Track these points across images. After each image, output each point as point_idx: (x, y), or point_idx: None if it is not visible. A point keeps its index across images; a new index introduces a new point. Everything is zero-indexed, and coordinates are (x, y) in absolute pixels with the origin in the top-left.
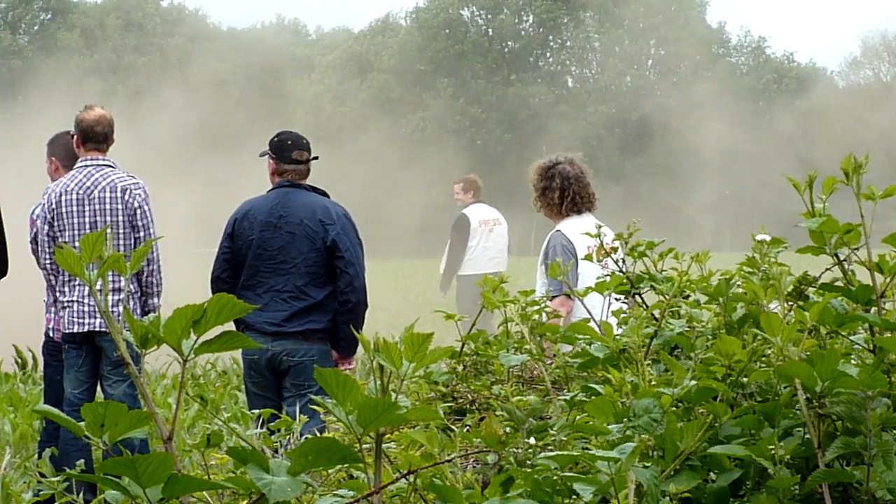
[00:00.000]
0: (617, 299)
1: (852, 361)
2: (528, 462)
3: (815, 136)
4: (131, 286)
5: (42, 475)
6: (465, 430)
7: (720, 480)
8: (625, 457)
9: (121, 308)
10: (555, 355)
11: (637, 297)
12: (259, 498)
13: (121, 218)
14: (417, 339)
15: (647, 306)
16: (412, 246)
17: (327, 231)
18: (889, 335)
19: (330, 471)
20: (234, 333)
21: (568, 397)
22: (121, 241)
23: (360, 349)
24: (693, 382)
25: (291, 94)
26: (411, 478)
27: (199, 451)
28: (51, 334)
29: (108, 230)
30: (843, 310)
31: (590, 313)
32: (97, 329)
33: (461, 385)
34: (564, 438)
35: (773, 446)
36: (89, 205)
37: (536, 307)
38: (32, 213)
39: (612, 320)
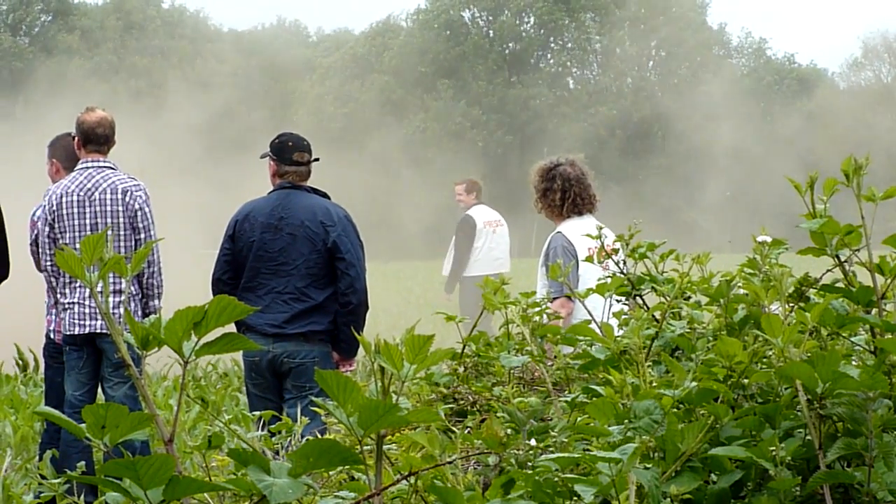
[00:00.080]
0: (618, 301)
1: (853, 363)
2: (529, 463)
3: (817, 137)
4: (132, 288)
5: (43, 477)
6: (466, 431)
7: (721, 482)
8: (626, 458)
9: (122, 310)
10: (556, 357)
11: (638, 298)
12: (260, 500)
13: (121, 220)
14: (418, 341)
15: (648, 308)
16: (413, 247)
17: (328, 233)
18: (890, 336)
19: (331, 472)
20: (234, 335)
21: (569, 399)
22: (121, 243)
23: (360, 351)
24: (694, 384)
25: (292, 96)
26: (412, 479)
27: (200, 452)
28: (51, 336)
29: (109, 232)
30: (844, 311)
31: (591, 315)
32: (98, 331)
33: (462, 386)
34: (565, 440)
35: (774, 447)
36: (90, 206)
37: (537, 309)
38: (33, 214)
39: (613, 322)
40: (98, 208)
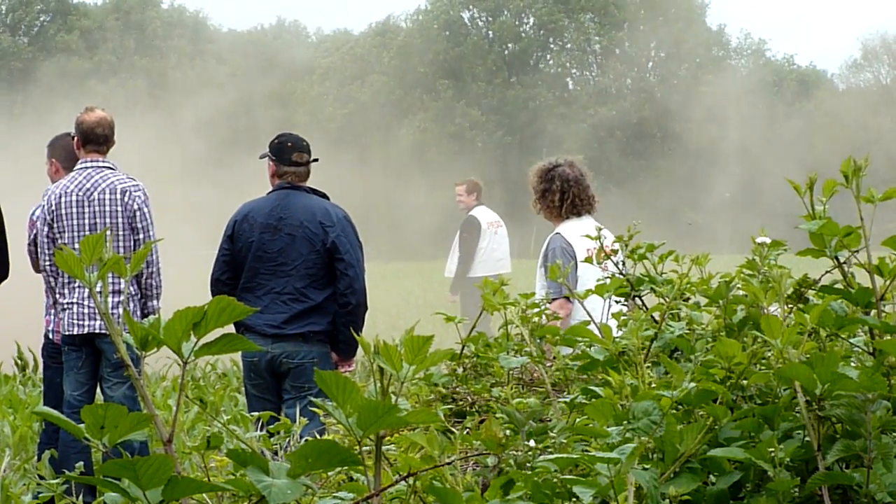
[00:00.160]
0: (617, 302)
1: (852, 364)
2: (528, 464)
3: (816, 138)
4: (131, 288)
5: (41, 477)
6: (465, 432)
7: (720, 483)
8: (624, 459)
9: (121, 310)
10: (555, 358)
11: (637, 299)
12: (259, 500)
13: (120, 220)
14: (418, 342)
15: (646, 309)
16: (413, 248)
17: (327, 233)
18: (889, 338)
19: (330, 473)
20: (234, 336)
21: (568, 400)
22: (120, 243)
23: (359, 351)
24: (693, 385)
25: (292, 97)
26: (411, 480)
27: (199, 453)
28: (50, 336)
29: (108, 232)
30: (843, 312)
31: (590, 316)
32: (97, 331)
33: (461, 387)
34: (564, 441)
35: (772, 449)
36: (89, 206)
37: (536, 310)
38: (32, 214)
39: (612, 323)
40: (97, 208)
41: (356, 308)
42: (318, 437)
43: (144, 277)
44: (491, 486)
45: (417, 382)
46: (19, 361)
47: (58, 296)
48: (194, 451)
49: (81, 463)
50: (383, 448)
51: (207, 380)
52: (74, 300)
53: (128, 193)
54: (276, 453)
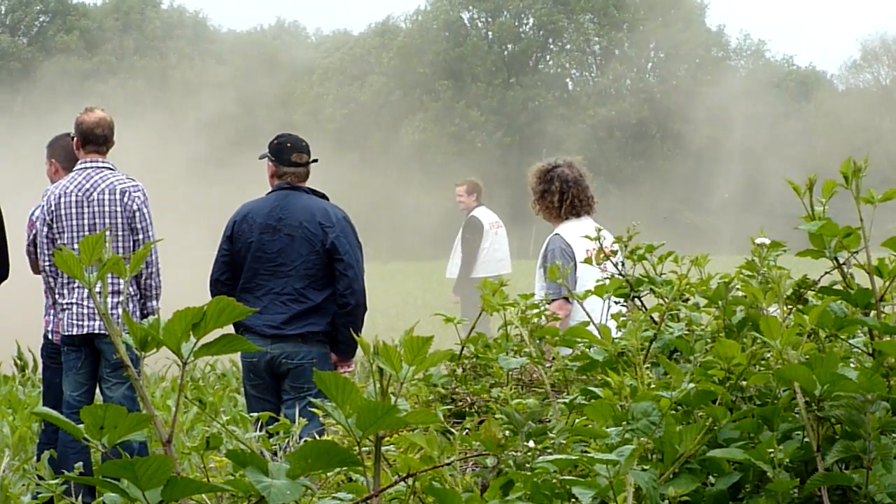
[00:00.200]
0: (616, 303)
1: (851, 365)
2: (528, 465)
3: (816, 139)
4: (130, 289)
5: (41, 477)
6: (464, 433)
7: (719, 484)
8: (623, 460)
9: (120, 310)
10: (554, 358)
11: (636, 300)
12: (258, 501)
13: (119, 220)
14: (417, 343)
15: (646, 309)
16: (412, 249)
17: (326, 234)
18: (888, 339)
19: (329, 473)
20: (233, 336)
21: (567, 400)
22: (120, 244)
23: (359, 352)
24: (692, 386)
25: (291, 97)
26: (410, 481)
27: (199, 453)
28: (49, 336)
29: (107, 232)
30: (843, 313)
31: (589, 316)
32: (96, 331)
33: (460, 388)
34: (563, 442)
35: (772, 450)
36: (88, 207)
37: (536, 310)
38: (31, 214)
39: (612, 324)
40: (96, 209)
41: (355, 309)
42: (317, 437)
43: (144, 278)
44: (490, 486)
45: (417, 383)
46: (19, 362)
47: (57, 296)
48: (193, 452)
49: (80, 463)
50: (382, 449)
51: (207, 380)
52: (74, 300)
53: (127, 194)
54: (275, 454)
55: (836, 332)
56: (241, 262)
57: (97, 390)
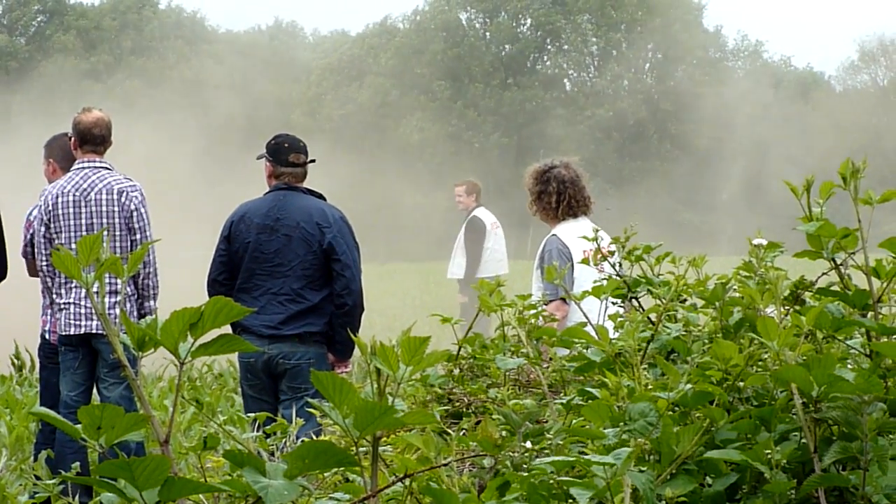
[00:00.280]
0: (613, 303)
1: (848, 366)
2: (525, 466)
3: (813, 140)
4: (128, 289)
5: (38, 477)
6: (461, 433)
7: (716, 485)
8: (621, 461)
9: (117, 310)
10: (551, 359)
11: (634, 300)
12: (255, 501)
13: (117, 220)
14: (414, 343)
15: (643, 310)
16: (410, 249)
17: (324, 234)
18: (886, 340)
19: (326, 474)
20: (230, 336)
21: (564, 401)
22: (117, 244)
23: (356, 352)
24: (689, 386)
25: (289, 97)
26: (407, 481)
27: (196, 453)
28: (47, 336)
29: (105, 232)
30: (840, 314)
31: (586, 317)
32: (94, 331)
33: (458, 388)
34: (561, 442)
35: (769, 451)
36: (86, 207)
37: (533, 311)
38: (29, 214)
39: (609, 324)
40: (94, 209)
41: (353, 309)
42: (314, 438)
43: (141, 278)
44: (487, 487)
45: (414, 383)
46: (16, 361)
47: (55, 296)
48: (191, 452)
49: (78, 463)
50: (380, 449)
51: (204, 380)
52: (71, 300)
53: (125, 194)
54: (272, 454)
55: (833, 333)
56: (238, 263)
57: (94, 390)
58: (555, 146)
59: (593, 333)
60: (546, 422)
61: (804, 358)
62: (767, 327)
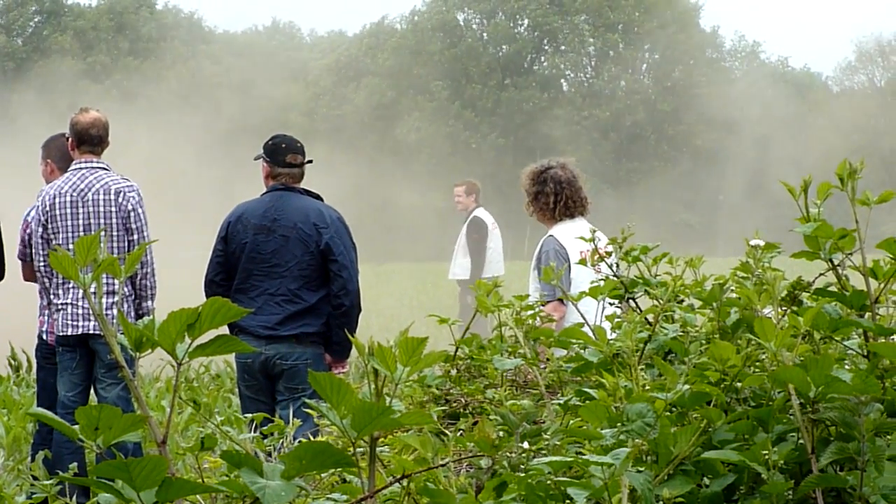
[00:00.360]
0: (611, 304)
1: (846, 367)
2: (522, 466)
3: (811, 141)
4: (125, 289)
5: (35, 478)
6: (458, 434)
7: (714, 485)
8: (618, 461)
9: (115, 311)
10: (548, 359)
11: (631, 301)
12: (253, 502)
13: (114, 220)
14: (412, 344)
15: (640, 311)
16: (407, 249)
17: (321, 235)
18: (883, 340)
19: (323, 474)
20: (228, 337)
21: (562, 402)
22: (114, 244)
23: (353, 352)
24: (687, 387)
25: (287, 98)
26: (405, 482)
27: (193, 454)
28: (44, 337)
29: (102, 233)
30: (838, 315)
31: (584, 318)
32: (91, 332)
33: (455, 389)
34: (558, 443)
35: (766, 451)
36: (83, 207)
37: (531, 312)
38: (27, 215)
39: (606, 325)
40: (91, 209)
41: (350, 310)
42: (311, 438)
43: (139, 278)
44: (485, 488)
45: (411, 384)
46: (13, 362)
47: (52, 297)
48: (188, 453)
49: (75, 464)
50: (377, 450)
51: (201, 381)
52: (69, 301)
53: (122, 194)
54: (269, 455)
55: (830, 333)
56: (235, 263)
57: (92, 391)
58: (552, 147)
59: (591, 334)
60: (543, 422)
61: (802, 359)
62: (765, 328)
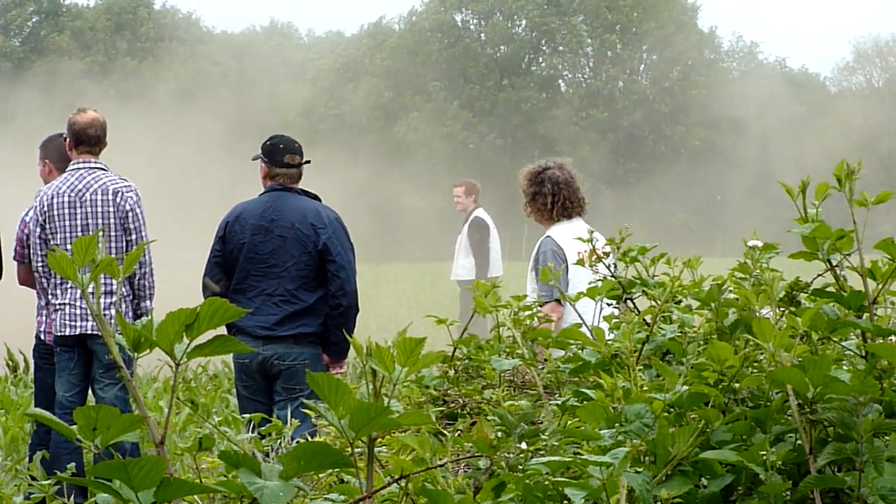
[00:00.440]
0: (608, 304)
1: (844, 367)
2: (520, 467)
3: (809, 141)
4: (123, 289)
5: (33, 478)
6: (456, 434)
7: (712, 486)
8: (617, 462)
9: (113, 311)
10: (546, 360)
11: (629, 302)
12: (251, 502)
13: (112, 220)
14: (410, 344)
15: (638, 311)
16: (405, 250)
17: (319, 235)
18: (881, 341)
19: (321, 475)
20: (226, 337)
21: (560, 402)
22: (112, 244)
23: (350, 353)
24: (685, 388)
25: (284, 98)
26: (403, 482)
27: (191, 454)
28: (42, 337)
29: (100, 233)
30: (835, 315)
31: (581, 318)
32: (89, 332)
33: (453, 389)
34: (556, 443)
35: (764, 452)
36: (81, 207)
37: (529, 312)
38: (25, 216)
39: (604, 325)
40: (89, 209)
41: (347, 310)
42: (309, 438)
43: (137, 278)
44: (483, 488)
45: (409, 385)
46: (10, 362)
47: (50, 297)
48: (186, 453)
49: (73, 464)
50: (375, 450)
51: (199, 381)
52: (67, 301)
53: (120, 194)
54: (267, 455)
55: (828, 334)
56: (233, 263)
57: (90, 391)
58: (550, 147)
59: (589, 335)
60: (541, 423)
61: (800, 359)
62: (763, 328)
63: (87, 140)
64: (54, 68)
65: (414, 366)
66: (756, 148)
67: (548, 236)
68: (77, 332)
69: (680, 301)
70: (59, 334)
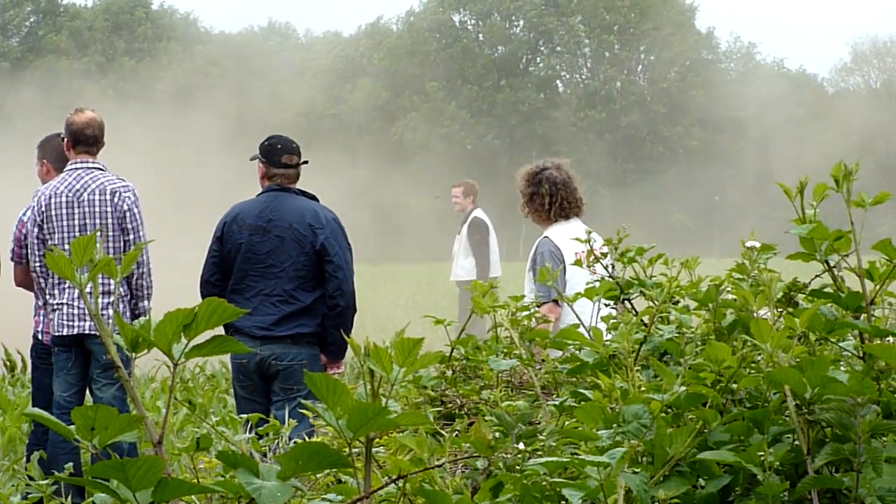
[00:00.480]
0: (606, 305)
1: (842, 368)
2: (518, 467)
3: (807, 141)
4: (121, 289)
5: (31, 478)
6: (454, 434)
7: (709, 486)
8: (614, 462)
9: (111, 311)
10: (544, 360)
11: (626, 302)
12: (249, 502)
13: (110, 220)
14: (408, 344)
15: (636, 312)
16: (403, 250)
17: (316, 235)
18: (878, 342)
19: (319, 475)
20: (224, 337)
21: (557, 403)
22: (110, 244)
23: (348, 353)
24: (682, 388)
25: (283, 98)
26: (401, 483)
27: (189, 454)
28: (39, 337)
29: (98, 233)
30: (833, 316)
31: (579, 319)
32: (87, 332)
33: (450, 390)
34: (554, 444)
35: (762, 452)
36: (79, 207)
37: (526, 312)
38: (23, 215)
39: (602, 326)
40: (87, 209)
41: (345, 310)
42: (307, 439)
43: (135, 278)
44: (480, 488)
45: (406, 385)
46: (8, 362)
47: (48, 297)
48: (184, 453)
49: (71, 464)
50: (373, 450)
51: (196, 381)
52: (64, 301)
53: (117, 194)
54: (265, 455)
55: (826, 335)
56: (230, 263)
57: (87, 391)
58: (547, 148)
59: (586, 335)
60: (539, 423)
61: (797, 360)
62: (761, 329)
63: (85, 140)
64: (52, 68)
65: (412, 366)
66: (754, 148)
67: (545, 237)
68: (75, 332)
69: (678, 302)
70: (56, 334)
